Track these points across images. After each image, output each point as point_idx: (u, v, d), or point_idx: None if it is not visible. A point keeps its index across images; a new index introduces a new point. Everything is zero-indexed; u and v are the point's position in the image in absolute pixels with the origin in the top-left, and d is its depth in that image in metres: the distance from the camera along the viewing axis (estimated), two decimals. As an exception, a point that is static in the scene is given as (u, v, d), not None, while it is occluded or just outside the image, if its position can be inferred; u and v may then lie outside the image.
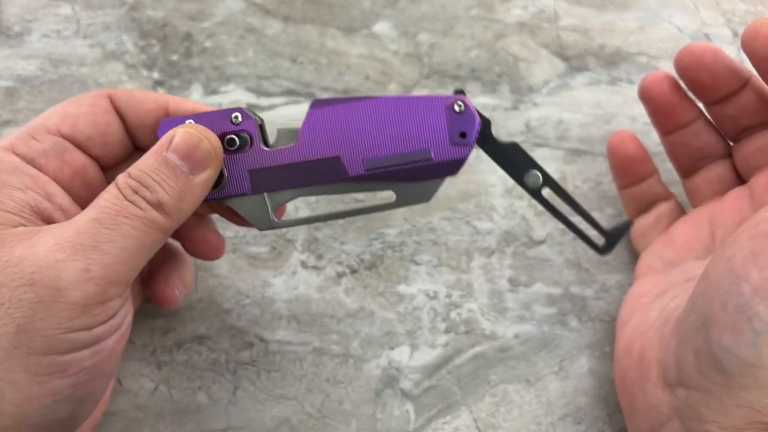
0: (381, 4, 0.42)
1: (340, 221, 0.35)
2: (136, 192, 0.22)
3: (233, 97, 0.38)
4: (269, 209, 0.26)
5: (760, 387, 0.21)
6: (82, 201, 0.25)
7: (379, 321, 0.32)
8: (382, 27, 0.41)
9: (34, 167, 0.24)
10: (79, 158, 0.26)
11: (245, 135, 0.26)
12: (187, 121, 0.25)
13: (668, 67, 0.41)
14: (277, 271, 0.33)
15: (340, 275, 0.33)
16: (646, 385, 0.25)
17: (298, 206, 0.35)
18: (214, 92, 0.38)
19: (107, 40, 0.39)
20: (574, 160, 0.37)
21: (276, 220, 0.26)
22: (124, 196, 0.22)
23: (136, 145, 0.27)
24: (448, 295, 0.33)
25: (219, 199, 0.26)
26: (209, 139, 0.24)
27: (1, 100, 0.37)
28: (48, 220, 0.23)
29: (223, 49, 0.39)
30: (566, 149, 0.37)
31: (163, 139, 0.24)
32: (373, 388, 0.31)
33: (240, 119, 0.26)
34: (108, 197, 0.22)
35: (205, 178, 0.24)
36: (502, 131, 0.38)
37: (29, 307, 0.20)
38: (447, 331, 0.32)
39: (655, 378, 0.25)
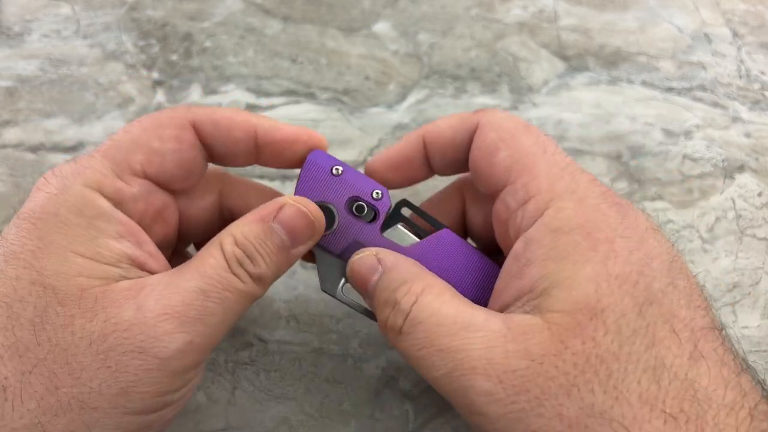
0: (381, 4, 0.42)
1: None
2: (241, 264, 0.22)
3: (233, 96, 0.38)
4: (342, 279, 0.26)
5: None
6: (160, 238, 0.25)
7: (378, 321, 0.32)
8: (382, 27, 0.41)
9: (123, 212, 0.23)
10: (162, 198, 0.25)
11: (374, 211, 0.26)
12: (334, 167, 0.26)
13: (668, 67, 0.41)
14: (277, 271, 0.33)
15: (339, 275, 0.33)
16: None
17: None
18: (214, 92, 0.38)
19: (107, 40, 0.39)
20: (574, 160, 0.37)
21: (341, 291, 0.26)
22: (229, 266, 0.22)
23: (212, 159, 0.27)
24: (448, 295, 0.33)
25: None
26: (315, 216, 0.24)
27: (1, 100, 0.37)
28: (142, 268, 0.23)
29: (223, 49, 0.39)
30: (566, 149, 0.37)
31: (271, 206, 0.24)
32: (373, 388, 0.31)
33: (380, 196, 0.26)
34: (214, 265, 0.22)
35: (302, 251, 0.24)
36: (502, 131, 0.38)
37: (135, 372, 0.20)
38: (446, 331, 0.32)
39: None
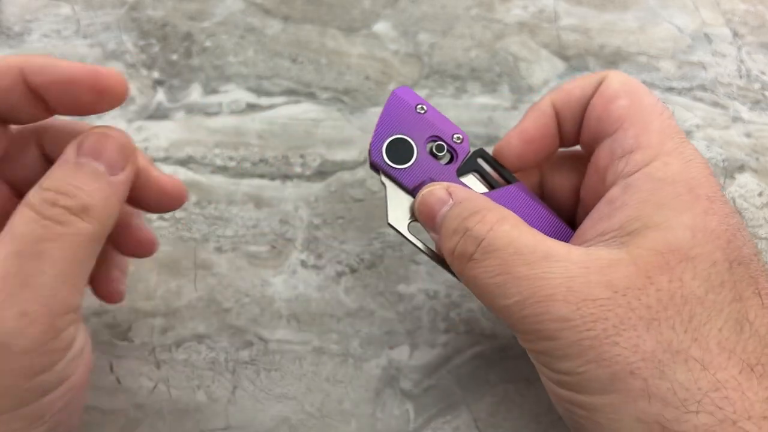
0: (381, 4, 0.42)
1: (339, 221, 0.35)
2: (54, 204, 0.20)
3: (233, 96, 0.38)
4: (409, 217, 0.26)
5: None
6: None
7: (378, 320, 0.32)
8: (382, 27, 0.41)
9: None
10: None
11: (451, 154, 0.27)
12: (418, 105, 0.26)
13: (668, 67, 0.41)
14: (277, 270, 0.33)
15: (339, 274, 0.33)
16: None
17: (298, 205, 0.35)
18: (214, 92, 0.38)
19: (107, 39, 0.39)
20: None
21: (407, 229, 0.26)
22: (40, 214, 0.19)
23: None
24: (448, 295, 0.33)
25: (386, 171, 0.26)
26: (121, 139, 0.22)
27: (1, 100, 0.37)
28: None
29: (223, 49, 0.39)
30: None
31: (70, 148, 0.21)
32: (373, 388, 0.31)
33: (461, 140, 0.27)
34: (23, 221, 0.19)
35: (127, 176, 0.22)
36: (503, 131, 0.38)
37: None
38: (447, 330, 0.32)
39: None
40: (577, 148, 0.29)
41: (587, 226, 0.24)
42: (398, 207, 0.26)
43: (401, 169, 0.26)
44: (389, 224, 0.26)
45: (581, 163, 0.28)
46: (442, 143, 0.27)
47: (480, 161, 0.28)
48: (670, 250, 0.21)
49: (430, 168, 0.26)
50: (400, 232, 0.26)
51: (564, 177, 0.29)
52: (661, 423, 0.19)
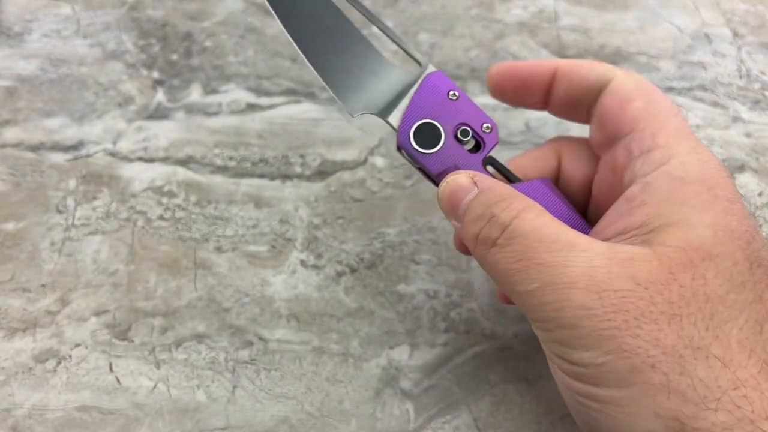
0: (381, 4, 0.42)
1: (339, 221, 0.35)
2: None
3: (233, 96, 0.38)
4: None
5: None
6: None
7: (378, 320, 0.32)
8: (382, 27, 0.41)
9: None
10: None
11: (478, 142, 0.27)
12: (451, 91, 0.26)
13: (668, 67, 0.41)
14: (277, 270, 0.33)
15: (339, 274, 0.33)
16: None
17: (298, 205, 0.35)
18: (214, 91, 0.38)
19: (107, 39, 0.39)
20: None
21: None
22: None
23: None
24: (448, 295, 0.33)
25: (412, 154, 0.26)
26: None
27: (1, 100, 0.37)
28: None
29: (223, 49, 0.39)
30: (566, 149, 0.37)
31: None
32: (373, 388, 0.31)
33: (490, 130, 0.26)
34: None
35: None
36: (503, 131, 0.38)
37: None
38: (447, 330, 0.32)
39: None
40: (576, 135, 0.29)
41: (605, 223, 0.24)
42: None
43: (428, 154, 0.26)
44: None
45: (596, 158, 0.28)
46: (468, 129, 0.26)
47: (489, 169, 0.28)
48: (693, 248, 0.21)
49: (457, 155, 0.26)
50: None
51: (580, 170, 0.29)
52: (680, 419, 0.19)
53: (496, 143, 0.27)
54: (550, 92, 0.28)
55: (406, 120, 0.27)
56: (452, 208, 0.25)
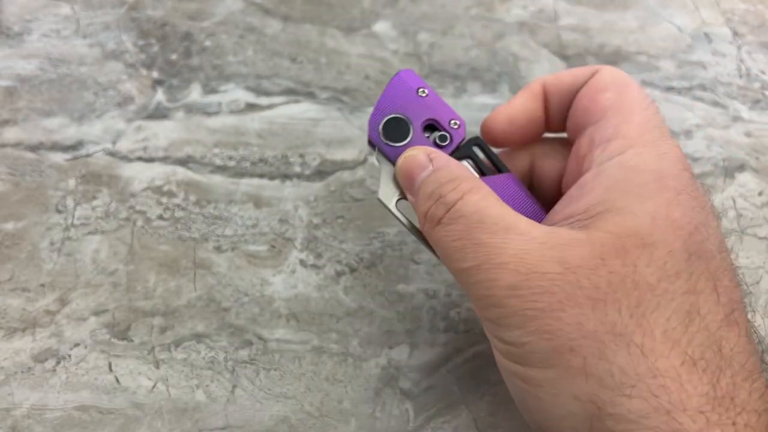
0: (381, 3, 0.42)
1: (339, 220, 0.35)
2: None
3: (232, 96, 0.38)
4: (398, 194, 0.27)
5: None
6: None
7: (378, 320, 0.32)
8: (381, 26, 0.41)
9: None
10: None
11: (447, 138, 0.27)
12: (420, 88, 0.27)
13: (668, 67, 0.41)
14: (276, 270, 0.33)
15: (339, 274, 0.33)
16: None
17: (298, 205, 0.35)
18: (214, 91, 0.38)
19: (107, 39, 0.39)
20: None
21: (395, 205, 0.27)
22: None
23: None
24: (448, 294, 0.33)
25: (381, 148, 0.27)
26: None
27: (1, 100, 0.37)
28: None
29: (223, 49, 0.39)
30: (566, 148, 0.37)
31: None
32: (373, 387, 0.31)
33: (457, 126, 0.27)
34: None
35: None
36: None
37: None
38: (446, 330, 0.32)
39: None
40: (565, 136, 0.29)
41: (557, 209, 0.24)
42: (389, 184, 0.27)
43: (396, 147, 0.27)
44: (378, 199, 0.27)
45: (569, 153, 0.28)
46: (436, 124, 0.27)
47: (475, 149, 0.28)
48: (628, 235, 0.21)
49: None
50: (388, 208, 0.27)
51: (552, 166, 0.29)
52: (596, 403, 0.19)
53: (464, 139, 0.27)
54: (546, 116, 0.29)
55: (376, 114, 0.27)
56: (408, 183, 0.25)
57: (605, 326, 0.19)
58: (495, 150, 0.28)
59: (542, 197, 0.29)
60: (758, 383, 0.19)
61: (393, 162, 0.27)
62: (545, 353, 0.20)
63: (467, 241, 0.22)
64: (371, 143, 0.28)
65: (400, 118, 0.27)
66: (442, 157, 0.25)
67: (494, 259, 0.21)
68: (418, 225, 0.27)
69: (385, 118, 0.27)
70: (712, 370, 0.19)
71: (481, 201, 0.23)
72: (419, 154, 0.25)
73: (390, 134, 0.27)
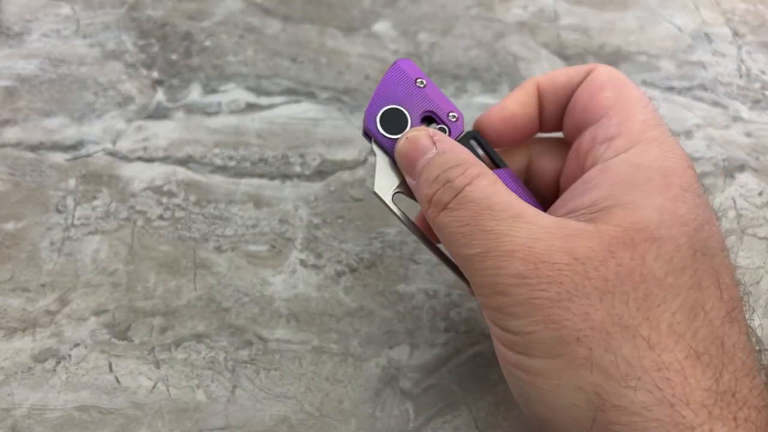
0: (381, 3, 0.42)
1: (339, 220, 0.35)
2: None
3: (232, 96, 0.38)
4: (394, 187, 0.26)
5: None
6: None
7: (378, 320, 0.32)
8: (381, 26, 0.41)
9: None
10: None
11: (445, 130, 0.27)
12: (419, 79, 0.27)
13: (668, 66, 0.41)
14: (277, 270, 0.33)
15: (339, 274, 0.33)
16: None
17: (298, 205, 0.35)
18: (214, 91, 0.38)
19: (107, 39, 0.39)
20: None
21: (391, 198, 0.26)
22: None
23: None
24: (448, 294, 0.33)
25: (378, 139, 0.26)
26: None
27: (1, 100, 0.37)
28: None
29: (223, 49, 0.39)
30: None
31: None
32: (373, 387, 0.31)
33: (455, 119, 0.27)
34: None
35: None
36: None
37: None
38: (447, 330, 0.32)
39: None
40: (560, 135, 0.29)
41: (559, 203, 0.24)
42: (385, 176, 0.27)
43: (393, 138, 0.26)
44: (374, 192, 0.27)
45: (567, 151, 0.28)
46: (435, 117, 0.27)
47: (473, 143, 0.28)
48: (637, 229, 0.21)
49: None
50: (383, 201, 0.27)
51: (550, 164, 0.29)
52: (600, 394, 0.19)
53: (462, 132, 0.27)
54: (540, 115, 0.28)
55: (374, 105, 0.27)
56: (409, 166, 0.25)
57: (612, 318, 0.20)
58: None
59: (537, 196, 0.29)
60: (757, 380, 0.20)
61: (389, 153, 0.27)
62: (551, 343, 0.20)
63: (474, 227, 0.22)
64: (366, 134, 0.27)
65: (398, 109, 0.26)
66: (446, 140, 0.25)
67: (502, 247, 0.21)
68: (413, 219, 0.27)
69: (383, 109, 0.27)
70: (715, 364, 0.19)
71: (489, 187, 0.22)
72: (422, 136, 0.25)
73: (387, 126, 0.27)
